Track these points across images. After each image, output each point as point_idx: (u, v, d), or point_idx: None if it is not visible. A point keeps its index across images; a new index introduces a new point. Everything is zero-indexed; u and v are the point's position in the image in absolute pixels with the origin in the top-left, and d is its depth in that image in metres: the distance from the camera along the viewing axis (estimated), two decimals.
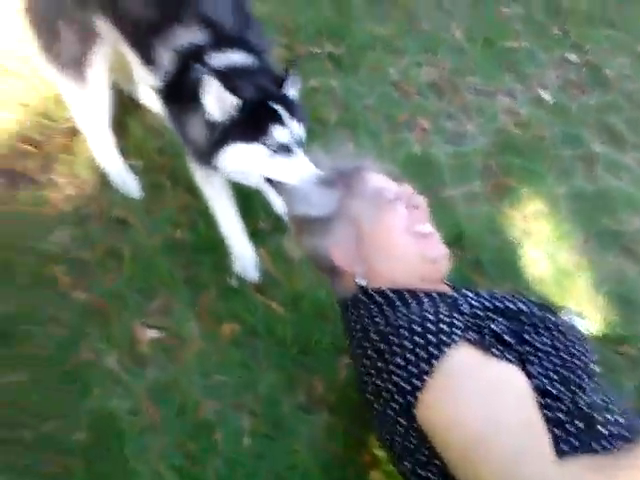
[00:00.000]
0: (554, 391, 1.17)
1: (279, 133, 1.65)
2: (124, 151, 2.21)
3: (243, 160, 1.70)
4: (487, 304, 1.32)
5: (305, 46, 2.68)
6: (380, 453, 1.71)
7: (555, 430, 1.15)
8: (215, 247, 2.03)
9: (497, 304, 1.32)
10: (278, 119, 1.66)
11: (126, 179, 2.14)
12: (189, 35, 1.76)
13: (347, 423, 1.76)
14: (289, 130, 1.67)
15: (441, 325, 1.17)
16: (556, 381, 1.19)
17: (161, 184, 2.17)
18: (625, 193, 2.32)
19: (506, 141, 2.43)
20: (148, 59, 1.85)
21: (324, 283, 1.95)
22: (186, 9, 1.77)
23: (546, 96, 2.61)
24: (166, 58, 1.78)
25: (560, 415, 1.17)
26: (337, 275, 1.46)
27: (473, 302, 1.32)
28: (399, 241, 1.37)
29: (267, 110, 1.66)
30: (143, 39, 1.83)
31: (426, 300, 1.27)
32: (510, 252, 2.13)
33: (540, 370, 1.19)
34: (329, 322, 1.93)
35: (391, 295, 1.32)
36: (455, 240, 2.00)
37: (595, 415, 1.20)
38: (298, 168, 1.65)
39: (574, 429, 1.18)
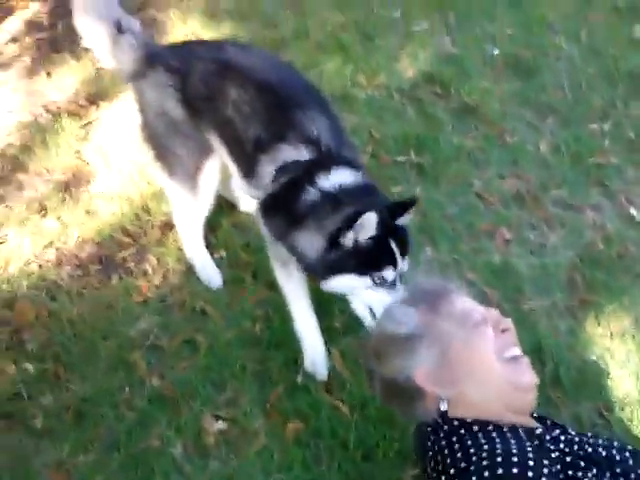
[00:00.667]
0: None
1: (389, 273, 1.76)
2: (210, 244, 2.33)
3: (349, 285, 1.80)
4: (577, 449, 1.27)
5: (390, 155, 2.78)
6: None
7: None
8: (288, 343, 2.07)
9: (588, 449, 1.27)
10: (392, 259, 1.76)
11: (210, 271, 2.24)
12: (293, 153, 1.86)
13: None
14: (398, 270, 1.77)
15: (528, 472, 1.12)
16: None
17: (242, 278, 2.25)
18: None
19: (591, 255, 2.38)
20: (249, 172, 1.96)
21: None
22: (291, 128, 1.88)
23: (635, 212, 2.56)
24: (269, 173, 1.90)
25: None
26: (418, 399, 1.40)
27: (562, 445, 1.26)
28: (489, 365, 1.33)
29: (385, 247, 1.76)
30: (248, 154, 1.95)
31: (511, 437, 1.22)
32: (592, 370, 2.03)
33: None
34: (396, 429, 1.88)
35: (474, 427, 1.28)
36: (534, 354, 1.93)
37: None
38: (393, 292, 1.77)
39: None
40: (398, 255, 1.76)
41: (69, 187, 2.55)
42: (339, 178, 1.82)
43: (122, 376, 1.98)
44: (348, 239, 1.73)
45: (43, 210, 2.46)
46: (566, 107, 3.09)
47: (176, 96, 2.03)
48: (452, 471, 1.22)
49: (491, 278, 2.31)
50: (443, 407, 1.35)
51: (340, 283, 1.80)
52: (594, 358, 2.07)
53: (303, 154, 1.85)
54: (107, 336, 2.09)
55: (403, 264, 1.79)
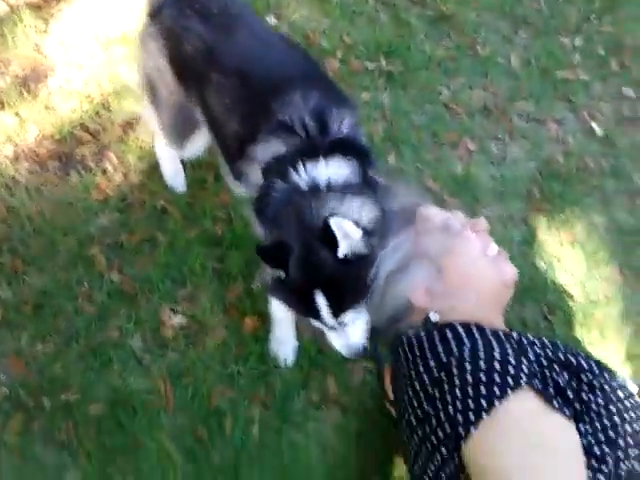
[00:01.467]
0: (599, 453, 1.16)
1: (317, 324, 1.50)
2: None
3: None
4: (550, 354, 1.30)
5: (360, 61, 2.73)
6: (385, 458, 1.72)
7: None
8: (248, 245, 2.08)
9: (560, 356, 1.31)
10: (318, 314, 1.45)
11: (178, 177, 2.20)
12: (272, 148, 1.55)
13: (357, 426, 1.77)
14: (326, 323, 1.47)
15: (508, 367, 1.15)
16: (603, 443, 1.17)
17: (204, 179, 2.24)
18: None
19: (550, 168, 2.41)
20: (237, 173, 1.69)
21: None
22: (265, 119, 1.56)
23: (597, 128, 2.58)
24: (252, 172, 1.61)
25: (600, 477, 1.16)
26: (407, 317, 1.41)
27: (538, 350, 1.30)
28: (480, 267, 1.35)
29: (307, 298, 1.43)
30: (232, 151, 1.68)
31: (493, 338, 1.24)
32: (542, 276, 2.11)
33: (590, 429, 1.17)
34: None
35: (459, 328, 1.29)
36: None
37: None
38: (343, 343, 1.51)
39: None
40: (325, 311, 1.41)
41: (27, 82, 2.47)
42: (327, 174, 1.47)
43: (81, 271, 2.00)
44: (265, 269, 1.46)
45: (0, 104, 2.38)
46: (540, 20, 3.03)
47: (166, 58, 1.77)
48: (432, 363, 1.24)
49: (452, 187, 2.34)
50: (434, 318, 1.35)
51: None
52: (544, 265, 2.13)
53: (282, 148, 1.53)
54: (66, 232, 2.09)
55: (344, 317, 1.44)
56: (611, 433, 1.17)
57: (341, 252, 1.36)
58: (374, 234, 1.40)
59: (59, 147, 2.32)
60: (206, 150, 2.03)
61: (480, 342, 1.22)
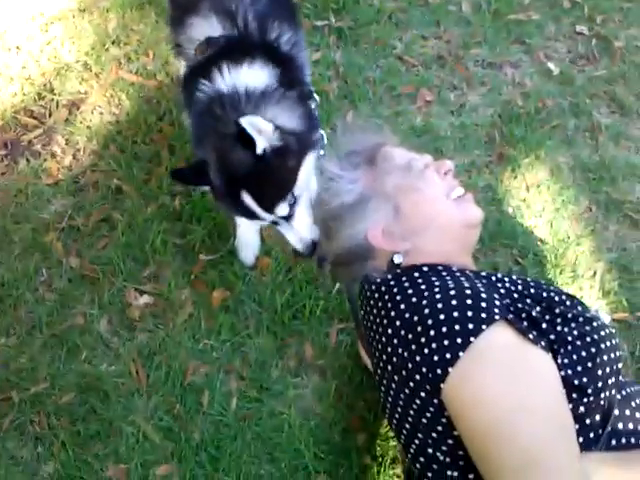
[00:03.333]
0: (578, 383, 1.14)
1: (257, 222, 1.56)
2: (120, 121, 2.22)
3: None
4: (521, 289, 1.28)
5: (309, 20, 2.66)
6: (368, 416, 1.70)
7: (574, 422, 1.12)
8: (209, 216, 2.03)
9: (531, 290, 1.29)
10: (250, 213, 1.49)
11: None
12: (208, 28, 1.60)
13: (336, 387, 1.74)
14: (262, 219, 1.51)
15: (481, 303, 1.12)
16: (581, 374, 1.15)
17: (157, 153, 2.17)
18: (629, 162, 2.25)
19: (510, 112, 2.38)
20: (174, 38, 1.76)
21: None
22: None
23: (552, 67, 2.55)
24: (186, 46, 1.67)
25: (581, 408, 1.15)
26: (366, 259, 1.37)
27: (507, 285, 1.28)
28: (441, 208, 1.32)
29: (237, 201, 1.47)
30: (176, 20, 1.74)
31: (461, 276, 1.22)
32: (509, 221, 2.09)
33: (567, 361, 1.15)
34: (322, 289, 1.91)
35: (424, 268, 1.27)
36: None
37: (614, 411, 1.19)
38: (294, 237, 1.56)
39: (592, 423, 1.16)
40: (257, 208, 1.45)
41: None
42: (246, 77, 1.50)
43: (38, 259, 1.93)
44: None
45: None
46: None
47: None
48: (402, 306, 1.21)
49: (413, 140, 2.29)
50: (398, 260, 1.32)
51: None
52: (510, 210, 2.11)
53: (216, 29, 1.59)
54: (19, 220, 2.02)
55: (279, 210, 1.48)
56: (589, 364, 1.16)
57: (259, 148, 1.37)
58: (292, 133, 1.44)
59: (3, 134, 2.24)
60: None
61: (450, 281, 1.20)
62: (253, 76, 1.51)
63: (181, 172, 1.50)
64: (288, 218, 1.50)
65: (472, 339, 1.09)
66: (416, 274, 1.26)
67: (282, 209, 1.47)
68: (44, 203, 2.05)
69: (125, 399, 1.70)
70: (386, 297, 1.28)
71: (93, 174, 2.12)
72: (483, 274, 1.31)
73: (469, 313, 1.11)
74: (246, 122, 1.35)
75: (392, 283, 1.28)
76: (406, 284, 1.25)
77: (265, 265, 1.95)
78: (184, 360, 1.76)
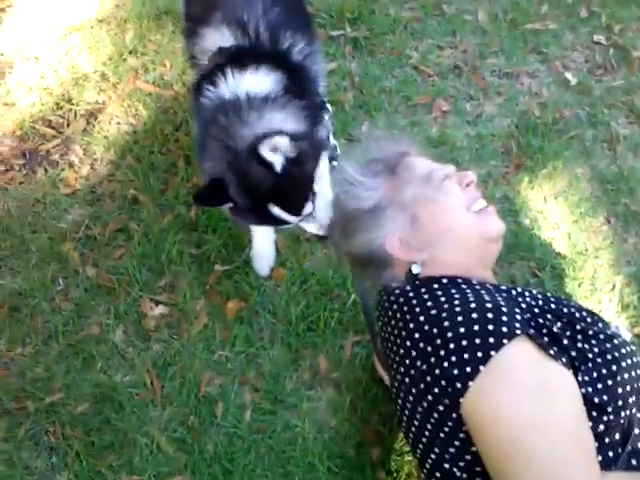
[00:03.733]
0: (598, 401, 1.13)
1: (286, 227, 1.56)
2: (137, 132, 2.23)
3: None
4: (542, 304, 1.27)
5: (325, 30, 2.66)
6: (383, 430, 1.68)
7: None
8: (224, 226, 2.03)
9: (552, 306, 1.27)
10: (283, 222, 1.50)
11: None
12: (221, 37, 1.61)
13: (351, 400, 1.73)
14: (301, 217, 1.52)
15: (502, 317, 1.11)
16: (601, 392, 1.14)
17: (174, 163, 2.18)
18: None
19: (527, 122, 2.36)
20: (189, 49, 1.77)
21: (332, 262, 1.94)
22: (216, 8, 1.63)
23: (570, 77, 2.53)
24: (200, 57, 1.68)
25: (601, 426, 1.14)
26: (385, 267, 1.38)
27: (528, 299, 1.27)
28: (461, 220, 1.31)
29: (265, 213, 1.47)
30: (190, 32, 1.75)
31: (481, 288, 1.21)
32: (527, 233, 2.07)
33: (587, 379, 1.14)
34: (337, 301, 1.91)
35: (443, 280, 1.27)
36: None
37: (634, 430, 1.18)
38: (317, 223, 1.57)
39: (611, 441, 1.15)
40: (287, 216, 1.47)
41: None
42: (249, 83, 1.50)
43: (55, 268, 1.94)
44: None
45: None
46: None
47: None
48: (421, 318, 1.20)
49: (429, 150, 2.28)
50: (416, 270, 1.32)
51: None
52: (528, 222, 2.10)
53: (228, 39, 1.59)
54: (37, 230, 2.03)
55: (305, 211, 1.49)
56: (609, 382, 1.15)
57: (278, 168, 1.39)
58: (303, 138, 1.45)
59: (22, 144, 2.26)
60: None
61: (470, 294, 1.19)
62: (256, 82, 1.51)
63: (203, 196, 1.48)
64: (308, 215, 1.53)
65: (493, 353, 1.08)
66: (435, 286, 1.25)
67: (308, 209, 1.50)
68: (61, 213, 2.06)
69: (139, 410, 1.70)
70: (405, 309, 1.27)
71: (110, 184, 2.12)
72: (503, 288, 1.29)
73: (490, 327, 1.10)
74: (263, 149, 1.37)
75: (411, 295, 1.28)
76: (425, 296, 1.24)
77: (280, 276, 1.94)
78: (198, 371, 1.75)
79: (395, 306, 1.31)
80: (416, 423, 1.25)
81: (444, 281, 1.27)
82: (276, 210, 1.44)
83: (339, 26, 2.65)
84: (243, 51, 1.59)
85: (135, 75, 2.39)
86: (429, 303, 1.22)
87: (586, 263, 2.00)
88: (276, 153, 1.38)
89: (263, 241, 1.91)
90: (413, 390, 1.23)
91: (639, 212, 2.11)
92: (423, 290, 1.26)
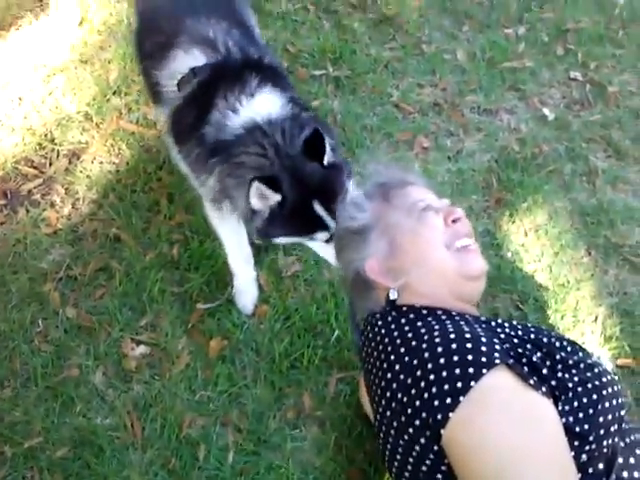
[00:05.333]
0: (579, 430, 1.13)
1: (322, 235, 1.57)
2: (120, 171, 2.24)
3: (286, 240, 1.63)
4: (521, 334, 1.27)
5: (307, 70, 2.70)
6: (368, 469, 1.66)
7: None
8: (207, 264, 2.02)
9: (531, 336, 1.27)
10: (321, 224, 1.53)
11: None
12: (192, 58, 1.64)
13: (335, 438, 1.71)
14: (331, 229, 1.54)
15: (481, 347, 1.11)
16: (583, 421, 1.13)
17: (157, 201, 2.18)
18: (627, 206, 2.25)
19: (506, 157, 2.40)
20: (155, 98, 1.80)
21: (316, 299, 1.93)
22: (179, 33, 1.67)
23: (548, 113, 2.58)
24: (166, 83, 1.69)
25: (583, 456, 1.13)
26: (369, 290, 1.40)
27: (507, 330, 1.27)
28: (436, 255, 1.32)
29: (308, 212, 1.52)
30: (153, 59, 1.74)
31: (461, 320, 1.22)
32: (509, 266, 2.08)
33: (568, 408, 1.14)
34: (320, 337, 1.90)
35: (423, 311, 1.27)
36: None
37: (618, 459, 1.17)
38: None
39: (595, 471, 1.14)
40: (327, 217, 1.51)
41: None
42: (263, 105, 1.56)
43: (35, 309, 1.92)
44: (256, 206, 1.51)
45: None
46: (482, 13, 3.04)
47: None
48: (402, 350, 1.21)
49: (433, 185, 2.30)
50: (393, 296, 1.33)
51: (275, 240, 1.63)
52: (510, 255, 2.11)
53: (198, 59, 1.63)
54: (17, 270, 2.01)
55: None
56: (590, 411, 1.14)
57: (327, 159, 1.50)
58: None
59: (4, 184, 2.25)
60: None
61: (450, 324, 1.19)
62: (271, 103, 1.57)
63: (264, 180, 1.48)
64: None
65: (473, 383, 1.07)
66: (415, 317, 1.26)
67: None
68: (42, 253, 2.05)
69: (120, 453, 1.66)
70: (386, 340, 1.27)
71: (92, 223, 2.12)
72: (483, 319, 1.30)
73: (469, 357, 1.10)
74: (319, 135, 1.47)
75: (392, 327, 1.28)
76: (406, 327, 1.24)
77: (263, 313, 1.93)
78: (180, 412, 1.72)
79: (377, 337, 1.31)
80: (398, 457, 1.24)
81: (424, 312, 1.27)
82: (319, 207, 1.49)
83: (321, 65, 2.69)
84: (228, 68, 1.62)
85: (119, 115, 2.41)
86: (409, 335, 1.22)
87: (568, 295, 2.01)
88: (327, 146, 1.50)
89: (246, 278, 1.91)
90: (394, 423, 1.22)
91: (619, 244, 2.13)
92: (403, 321, 1.27)
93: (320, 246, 1.62)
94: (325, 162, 1.51)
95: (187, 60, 1.65)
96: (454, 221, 1.36)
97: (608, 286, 2.04)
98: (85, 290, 1.96)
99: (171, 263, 2.03)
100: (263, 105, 1.56)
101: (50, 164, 2.30)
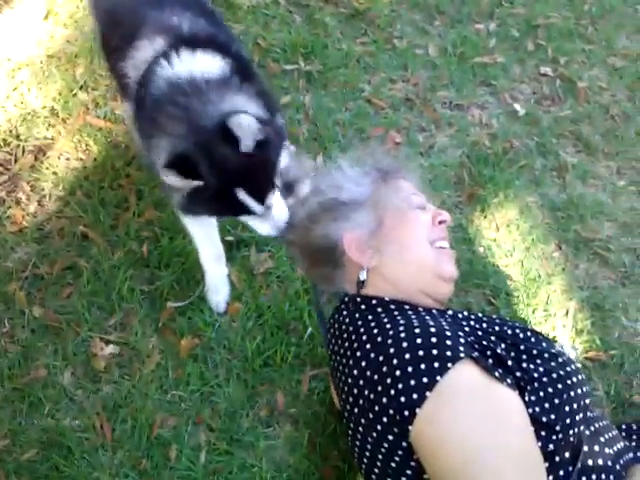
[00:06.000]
0: (546, 420, 1.13)
1: (248, 218, 1.53)
2: (87, 167, 2.20)
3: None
4: (486, 326, 1.29)
5: (278, 64, 2.68)
6: (342, 466, 1.65)
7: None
8: (177, 262, 2.00)
9: (496, 328, 1.29)
10: (247, 210, 1.47)
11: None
12: (154, 45, 1.60)
13: (309, 436, 1.70)
14: (264, 207, 1.49)
15: (446, 341, 1.12)
16: (549, 411, 1.14)
17: (125, 198, 2.14)
18: (596, 200, 2.28)
19: (477, 152, 2.41)
20: (124, 93, 1.76)
21: (289, 296, 1.92)
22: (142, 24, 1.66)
23: (518, 108, 2.59)
24: (133, 74, 1.66)
25: (550, 445, 1.14)
26: (336, 268, 1.41)
27: (472, 323, 1.28)
28: (419, 246, 1.34)
29: (235, 201, 1.44)
30: (118, 53, 1.71)
31: (426, 315, 1.22)
32: (481, 261, 2.09)
33: (534, 399, 1.15)
34: (293, 335, 1.89)
35: (391, 306, 1.28)
36: None
37: (583, 447, 1.19)
38: (269, 224, 1.54)
39: (561, 460, 1.15)
40: (254, 203, 1.45)
41: None
42: (201, 64, 1.49)
43: (1, 309, 1.87)
44: (174, 184, 1.40)
45: None
46: (453, 8, 3.05)
47: None
48: (368, 346, 1.20)
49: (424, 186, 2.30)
50: (362, 276, 1.34)
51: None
52: (481, 250, 2.11)
53: (160, 44, 1.58)
54: None
55: (268, 201, 1.48)
56: (556, 400, 1.15)
57: (244, 147, 1.37)
58: (266, 123, 1.44)
59: None
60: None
61: (415, 319, 1.19)
62: (208, 63, 1.51)
63: (175, 164, 1.38)
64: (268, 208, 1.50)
65: (438, 378, 1.07)
66: (382, 311, 1.26)
67: (269, 199, 1.48)
68: (7, 251, 2.00)
69: (89, 455, 1.63)
70: (353, 337, 1.27)
71: (59, 221, 2.07)
72: (449, 313, 1.31)
73: (434, 351, 1.10)
74: (233, 123, 1.35)
75: (359, 323, 1.28)
76: (372, 323, 1.24)
77: (235, 311, 1.91)
78: (151, 412, 1.70)
79: (344, 335, 1.31)
80: (367, 454, 1.23)
81: (391, 307, 1.28)
82: (242, 195, 1.41)
83: (292, 60, 2.67)
84: (186, 36, 1.59)
85: (85, 110, 2.36)
86: (375, 330, 1.22)
87: (539, 290, 2.02)
88: (244, 132, 1.36)
89: (217, 276, 1.88)
90: (362, 420, 1.21)
91: (589, 238, 2.15)
92: (370, 317, 1.27)
93: (250, 220, 1.56)
94: (244, 149, 1.38)
95: (152, 47, 1.61)
96: (440, 222, 1.40)
97: (579, 280, 2.06)
98: (52, 289, 1.92)
99: (141, 261, 2.00)
100: (199, 64, 1.50)
101: (15, 161, 2.24)
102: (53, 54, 2.53)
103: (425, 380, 1.08)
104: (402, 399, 1.10)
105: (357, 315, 1.30)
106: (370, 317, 1.27)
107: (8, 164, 2.24)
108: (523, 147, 2.44)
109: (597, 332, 1.93)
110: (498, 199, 2.25)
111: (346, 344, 1.29)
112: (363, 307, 1.31)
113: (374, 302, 1.31)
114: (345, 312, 1.35)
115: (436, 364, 1.09)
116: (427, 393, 1.07)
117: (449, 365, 1.08)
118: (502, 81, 2.70)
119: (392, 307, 1.28)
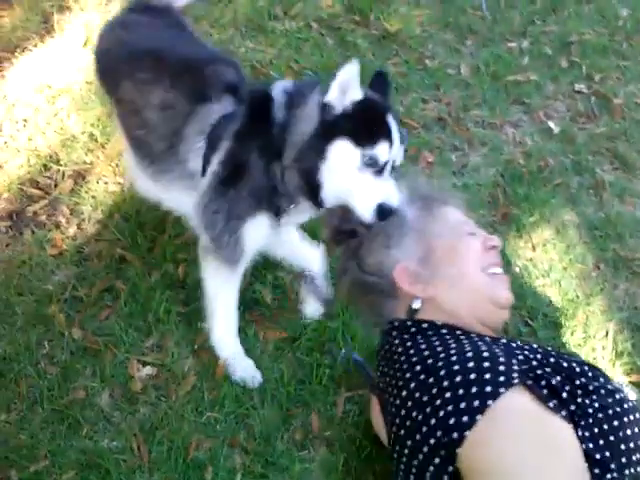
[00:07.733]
0: (600, 457, 1.10)
1: (382, 150, 1.48)
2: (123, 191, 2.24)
3: (338, 165, 1.51)
4: (540, 357, 1.26)
5: None
6: None
7: None
8: None
9: (551, 359, 1.26)
10: (389, 136, 1.50)
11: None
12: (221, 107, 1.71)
13: (344, 460, 1.68)
14: (392, 152, 1.50)
15: (499, 366, 1.10)
16: (603, 448, 1.11)
17: (163, 221, 2.17)
18: (635, 219, 2.24)
19: (512, 171, 2.39)
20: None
21: (322, 317, 1.92)
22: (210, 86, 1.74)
23: (553, 126, 2.57)
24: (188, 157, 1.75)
25: None
26: (390, 297, 1.40)
27: (526, 352, 1.26)
28: (473, 275, 1.34)
29: (382, 122, 1.51)
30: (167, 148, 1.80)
31: (479, 341, 1.21)
32: (517, 281, 2.06)
33: (588, 434, 1.12)
34: (327, 356, 1.87)
35: (443, 330, 1.27)
36: None
37: None
38: (381, 192, 1.47)
39: None
40: (395, 132, 1.50)
41: None
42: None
43: (41, 331, 1.90)
44: (337, 100, 1.54)
45: None
46: (485, 27, 3.05)
47: None
48: (418, 368, 1.20)
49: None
50: (416, 305, 1.33)
51: (332, 161, 1.51)
52: (518, 270, 2.09)
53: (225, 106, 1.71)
54: (22, 292, 2.00)
55: (400, 150, 1.53)
56: (611, 437, 1.12)
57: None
58: None
59: (9, 205, 2.24)
60: None
61: (467, 344, 1.19)
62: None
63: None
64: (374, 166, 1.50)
65: (490, 402, 1.06)
66: (433, 334, 1.26)
67: (401, 150, 1.55)
68: (47, 274, 2.04)
69: (126, 477, 1.64)
70: (402, 358, 1.26)
71: (97, 244, 2.11)
72: (503, 341, 1.28)
73: (487, 375, 1.08)
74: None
75: (409, 344, 1.27)
76: (423, 345, 1.24)
77: (272, 336, 1.92)
78: (187, 434, 1.70)
79: (395, 356, 1.30)
80: (412, 478, 1.21)
81: (443, 331, 1.27)
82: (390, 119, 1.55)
83: None
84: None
85: None
86: (426, 352, 1.21)
87: (578, 310, 1.99)
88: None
89: (234, 351, 1.85)
90: (409, 442, 1.19)
91: (628, 257, 2.12)
92: (420, 339, 1.26)
93: (360, 179, 1.51)
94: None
95: (217, 111, 1.74)
96: (492, 248, 1.38)
97: (618, 300, 2.02)
98: (90, 311, 1.95)
99: (177, 283, 2.02)
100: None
101: (55, 185, 2.30)
102: (91, 80, 2.59)
103: (476, 403, 1.06)
104: (451, 421, 1.08)
105: (407, 336, 1.30)
106: (421, 340, 1.26)
107: (48, 188, 2.29)
108: (558, 165, 2.41)
109: (638, 354, 1.89)
110: (534, 218, 2.22)
111: (396, 365, 1.28)
112: (414, 330, 1.30)
113: (425, 325, 1.30)
114: (395, 333, 1.34)
115: (488, 388, 1.07)
116: (478, 417, 1.06)
117: (501, 390, 1.06)
118: (536, 99, 2.68)
119: (444, 331, 1.27)
